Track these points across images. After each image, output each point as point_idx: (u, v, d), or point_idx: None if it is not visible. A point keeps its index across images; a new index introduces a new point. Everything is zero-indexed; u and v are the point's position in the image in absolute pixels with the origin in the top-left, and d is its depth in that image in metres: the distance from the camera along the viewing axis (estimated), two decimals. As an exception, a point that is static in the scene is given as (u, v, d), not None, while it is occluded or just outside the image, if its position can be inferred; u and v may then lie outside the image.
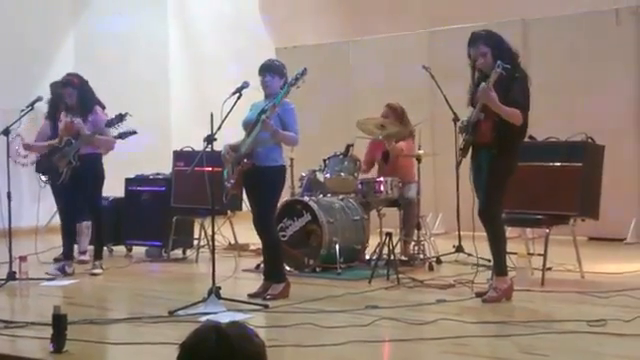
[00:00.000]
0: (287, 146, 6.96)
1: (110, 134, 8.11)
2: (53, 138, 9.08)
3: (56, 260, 8.76)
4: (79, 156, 8.02)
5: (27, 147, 9.21)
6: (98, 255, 8.29)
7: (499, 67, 5.95)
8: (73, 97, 8.11)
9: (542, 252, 7.05)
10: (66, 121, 8.13)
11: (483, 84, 6.06)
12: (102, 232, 8.46)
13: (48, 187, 9.09)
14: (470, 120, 6.23)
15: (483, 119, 6.15)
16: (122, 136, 8.13)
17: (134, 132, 8.13)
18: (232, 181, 6.67)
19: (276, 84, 6.66)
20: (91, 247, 8.99)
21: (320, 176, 8.27)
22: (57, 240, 9.01)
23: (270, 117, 6.47)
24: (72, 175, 8.03)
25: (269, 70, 6.69)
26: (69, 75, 8.36)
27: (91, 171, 8.13)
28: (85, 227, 8.71)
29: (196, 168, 6.87)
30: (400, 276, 7.14)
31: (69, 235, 8.44)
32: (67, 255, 8.31)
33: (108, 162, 8.33)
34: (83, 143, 8.00)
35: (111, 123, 7.95)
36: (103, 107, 8.45)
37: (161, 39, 13.62)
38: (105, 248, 8.88)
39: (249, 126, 6.63)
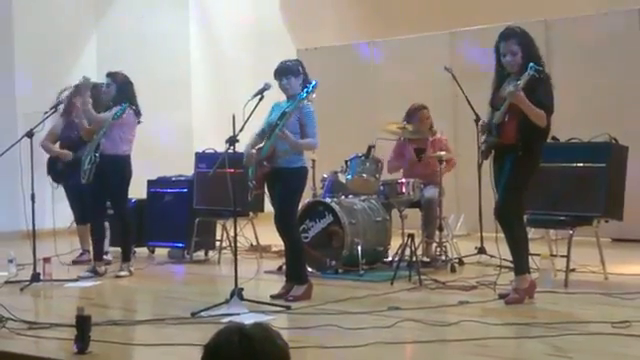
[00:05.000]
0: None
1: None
2: (62, 138, 9.10)
3: (74, 262, 8.79)
4: (101, 154, 8.00)
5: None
6: (126, 257, 8.28)
7: (532, 69, 5.91)
8: (111, 89, 8.14)
9: (565, 253, 6.99)
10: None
11: (511, 88, 6.01)
12: (128, 234, 8.41)
13: (61, 189, 9.15)
14: (494, 121, 6.20)
15: (507, 120, 6.11)
16: (114, 117, 7.99)
17: (123, 108, 7.97)
18: (254, 182, 6.70)
19: (295, 84, 6.67)
20: (114, 249, 9.03)
21: (342, 177, 8.25)
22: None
23: (287, 125, 6.49)
24: (95, 173, 8.01)
25: (285, 73, 6.69)
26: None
27: (115, 170, 8.06)
28: (104, 228, 8.69)
29: (218, 170, 6.89)
30: (422, 277, 7.12)
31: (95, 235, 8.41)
32: (97, 256, 8.28)
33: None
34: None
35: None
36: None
37: (183, 41, 13.66)
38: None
39: (270, 128, 6.65)
